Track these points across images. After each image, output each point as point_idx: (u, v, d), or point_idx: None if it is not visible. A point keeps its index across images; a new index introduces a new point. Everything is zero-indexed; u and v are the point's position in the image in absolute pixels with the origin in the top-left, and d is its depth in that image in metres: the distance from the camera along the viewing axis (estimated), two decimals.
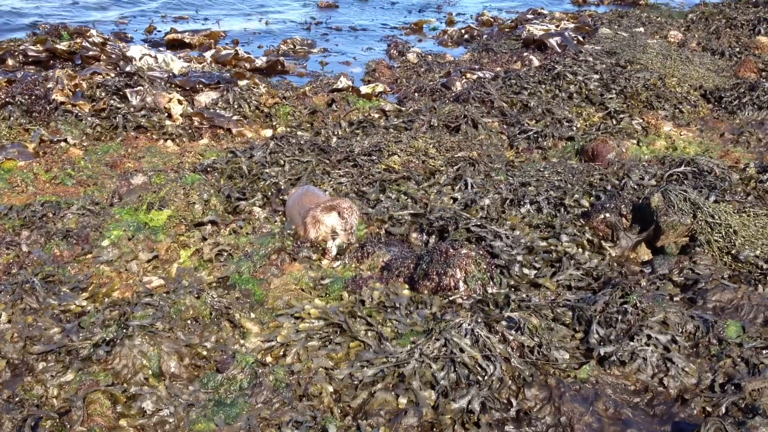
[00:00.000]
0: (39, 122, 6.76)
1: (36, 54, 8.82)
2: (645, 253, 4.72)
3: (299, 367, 3.65)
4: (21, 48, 8.88)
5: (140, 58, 8.62)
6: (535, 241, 4.62)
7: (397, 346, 3.76)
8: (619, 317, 3.79)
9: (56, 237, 4.83)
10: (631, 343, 3.64)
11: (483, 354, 3.58)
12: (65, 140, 6.48)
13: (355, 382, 3.52)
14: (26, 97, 7.01)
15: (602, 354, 3.62)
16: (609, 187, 5.40)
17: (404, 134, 6.62)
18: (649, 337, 3.66)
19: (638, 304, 3.86)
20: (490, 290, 4.21)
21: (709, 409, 3.29)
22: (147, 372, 3.61)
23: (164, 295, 4.09)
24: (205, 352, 3.77)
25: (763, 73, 8.57)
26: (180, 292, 4.11)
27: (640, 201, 4.91)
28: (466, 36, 12.03)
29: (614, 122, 7.05)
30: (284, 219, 5.13)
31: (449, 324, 3.78)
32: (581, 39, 10.50)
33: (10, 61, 8.69)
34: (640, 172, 5.65)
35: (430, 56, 10.49)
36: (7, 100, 6.96)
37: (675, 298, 4.10)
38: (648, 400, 3.40)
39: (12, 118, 6.73)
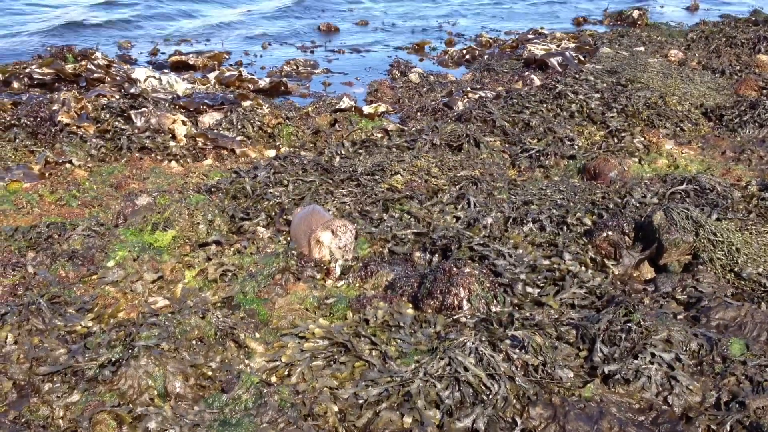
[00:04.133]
0: (44, 144, 6.81)
1: (41, 76, 8.89)
2: (648, 272, 4.74)
3: (304, 386, 3.65)
4: (26, 71, 8.94)
5: (145, 80, 8.69)
6: (538, 260, 4.64)
7: (401, 365, 3.77)
8: (623, 335, 3.80)
9: (62, 258, 4.85)
10: (635, 362, 3.65)
11: (487, 373, 3.59)
12: (70, 162, 6.52)
13: (360, 402, 3.52)
14: (31, 119, 7.06)
15: (606, 372, 3.63)
16: (611, 206, 5.42)
17: (407, 153, 6.66)
18: (653, 355, 3.67)
19: (642, 323, 3.87)
20: (493, 309, 4.22)
21: (713, 427, 3.29)
22: (152, 392, 3.62)
23: (169, 315, 4.11)
24: (210, 372, 3.78)
25: (764, 91, 8.60)
26: (185, 313, 4.13)
27: (643, 219, 4.93)
28: (467, 56, 12.10)
29: (616, 140, 7.09)
30: (288, 239, 5.16)
31: (453, 343, 3.79)
32: (582, 58, 10.57)
33: (15, 84, 8.76)
34: (642, 190, 5.67)
35: (431, 76, 10.55)
36: (12, 122, 7.01)
37: (678, 316, 4.12)
38: (653, 419, 3.40)
39: (17, 140, 6.79)
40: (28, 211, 5.68)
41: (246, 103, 7.95)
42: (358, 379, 3.70)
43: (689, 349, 3.76)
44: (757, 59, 10.04)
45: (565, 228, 5.10)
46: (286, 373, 3.78)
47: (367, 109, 8.12)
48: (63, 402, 3.55)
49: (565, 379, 3.64)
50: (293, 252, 4.88)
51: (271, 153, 7.16)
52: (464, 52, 12.27)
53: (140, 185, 6.26)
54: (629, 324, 3.86)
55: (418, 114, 8.41)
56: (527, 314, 4.13)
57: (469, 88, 9.26)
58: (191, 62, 10.79)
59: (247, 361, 3.89)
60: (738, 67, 9.67)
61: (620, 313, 3.97)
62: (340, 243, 4.84)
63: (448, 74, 10.76)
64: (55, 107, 7.28)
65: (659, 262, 4.72)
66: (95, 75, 8.89)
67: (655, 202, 5.44)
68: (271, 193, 5.81)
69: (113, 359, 3.76)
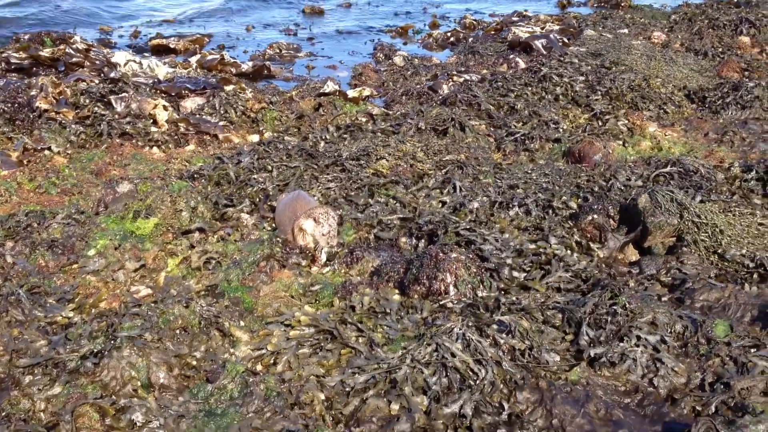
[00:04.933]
0: (22, 130, 6.69)
1: (19, 61, 8.75)
2: (632, 254, 4.74)
3: (290, 375, 3.62)
4: (3, 55, 8.80)
5: (125, 64, 8.56)
6: (524, 244, 4.63)
7: (388, 351, 3.74)
8: (609, 318, 3.80)
9: (41, 247, 4.77)
10: (621, 344, 3.65)
11: (474, 358, 3.58)
12: (49, 148, 6.41)
13: (347, 389, 3.49)
14: (9, 105, 6.94)
15: (592, 355, 3.62)
16: (596, 189, 5.42)
17: (392, 138, 6.61)
18: (638, 337, 3.67)
19: (627, 305, 3.87)
20: (480, 294, 4.21)
21: (699, 408, 3.29)
22: (136, 383, 3.57)
23: (152, 305, 4.05)
24: (194, 362, 3.73)
25: (746, 73, 8.63)
26: (168, 302, 4.07)
27: (627, 202, 4.93)
28: (451, 39, 12.04)
29: (600, 123, 7.07)
30: (273, 225, 5.11)
31: (440, 329, 3.78)
32: (566, 41, 10.54)
33: None
34: (626, 173, 5.67)
35: (416, 59, 10.49)
36: None
37: (663, 299, 4.12)
38: (639, 401, 3.41)
39: None
40: (6, 200, 5.59)
41: (229, 88, 7.86)
42: (344, 366, 3.67)
43: (674, 331, 3.77)
44: (739, 41, 10.05)
45: (550, 212, 5.09)
46: (271, 361, 3.74)
47: (351, 93, 8.06)
48: (44, 395, 3.49)
49: (552, 363, 3.64)
50: (278, 239, 4.83)
51: (255, 138, 7.09)
52: (449, 35, 12.21)
53: (121, 172, 6.18)
54: (615, 307, 3.87)
55: (403, 98, 8.36)
56: (514, 299, 4.12)
57: (454, 72, 9.21)
58: (172, 46, 10.66)
59: (232, 350, 3.85)
60: (720, 49, 9.68)
61: (606, 296, 3.97)
62: (323, 230, 4.80)
63: (432, 57, 10.70)
64: (33, 93, 7.16)
65: (644, 245, 4.72)
66: (74, 59, 8.76)
67: (640, 185, 5.43)
68: (255, 179, 5.75)
69: (95, 350, 3.71)
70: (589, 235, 4.81)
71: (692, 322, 3.78)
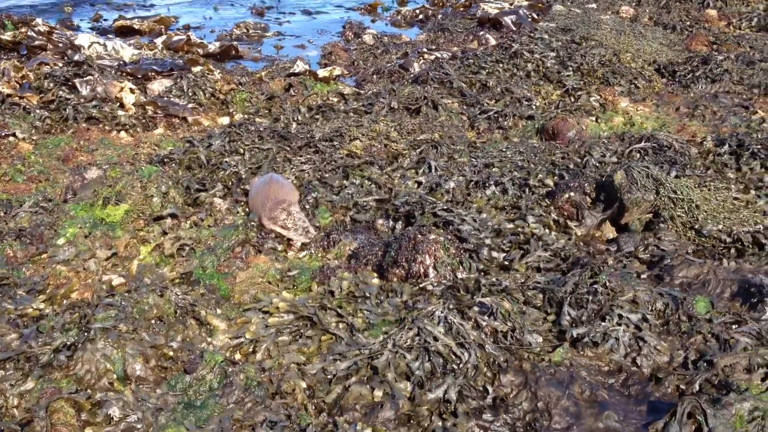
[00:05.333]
0: None
1: None
2: (610, 231, 4.74)
3: (270, 363, 3.57)
4: None
5: (89, 47, 8.34)
6: (502, 224, 4.60)
7: (369, 337, 3.71)
8: (590, 298, 3.79)
9: (9, 237, 4.64)
10: (603, 324, 3.64)
11: (457, 341, 3.55)
12: (14, 135, 6.24)
13: (329, 377, 3.46)
14: None
15: (575, 336, 3.62)
16: (572, 166, 5.40)
17: (365, 118, 6.53)
18: (620, 316, 3.67)
19: (608, 284, 3.87)
20: (460, 275, 4.18)
21: (683, 387, 3.31)
22: (111, 376, 3.49)
23: (126, 294, 3.96)
24: (171, 353, 3.66)
25: (714, 46, 8.66)
26: (142, 291, 3.98)
27: (603, 179, 4.92)
28: (420, 16, 11.93)
29: (572, 99, 7.05)
30: (247, 209, 5.02)
31: (422, 312, 3.74)
32: (536, 16, 10.49)
33: None
34: (601, 150, 5.66)
35: (386, 37, 10.37)
36: None
37: (642, 276, 4.12)
38: (623, 381, 3.41)
39: None
40: None
41: (196, 69, 7.70)
42: (325, 353, 3.63)
43: (655, 309, 3.77)
44: (706, 14, 10.08)
45: (527, 190, 5.06)
46: (250, 350, 3.69)
47: (321, 73, 7.94)
48: (17, 390, 3.39)
49: (535, 344, 3.62)
50: (253, 223, 4.75)
51: (225, 120, 6.96)
52: (417, 12, 12.10)
53: (89, 157, 6.03)
54: (595, 286, 3.86)
55: (374, 77, 8.27)
56: (494, 279, 4.09)
57: (424, 50, 9.13)
58: (137, 27, 10.41)
59: (209, 339, 3.79)
60: (688, 23, 9.69)
61: (586, 275, 3.96)
62: (288, 222, 4.70)
63: (402, 35, 10.59)
64: None
65: (621, 222, 4.72)
66: (36, 42, 8.50)
67: (615, 161, 5.44)
68: (227, 162, 5.65)
69: (68, 343, 3.61)
70: (566, 213, 4.80)
71: (673, 300, 3.79)
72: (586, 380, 3.38)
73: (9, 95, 6.69)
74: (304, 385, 3.43)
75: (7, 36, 8.57)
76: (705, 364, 3.38)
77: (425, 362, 3.46)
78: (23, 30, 8.75)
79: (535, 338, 3.65)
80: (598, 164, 5.42)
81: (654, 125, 6.51)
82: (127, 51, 8.40)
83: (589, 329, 3.62)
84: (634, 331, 3.60)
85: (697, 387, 3.27)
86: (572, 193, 4.81)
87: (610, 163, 5.42)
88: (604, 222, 4.73)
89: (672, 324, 3.68)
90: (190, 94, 7.19)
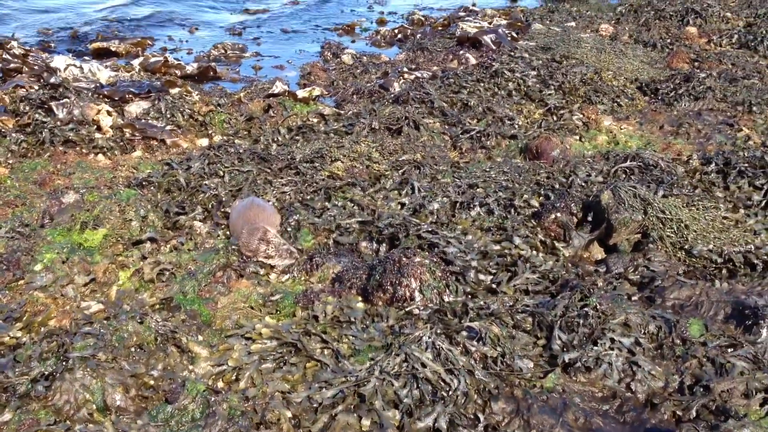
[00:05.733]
0: None
1: None
2: (598, 252, 4.69)
3: (254, 392, 3.47)
4: None
5: (65, 69, 8.21)
6: (488, 245, 4.53)
7: (355, 363, 3.62)
8: (581, 321, 3.73)
9: None
10: (595, 348, 3.58)
11: (446, 368, 3.47)
12: None
13: (315, 405, 3.36)
14: None
15: (567, 361, 3.55)
16: (557, 186, 5.36)
17: (346, 139, 6.46)
18: (612, 340, 3.61)
19: (598, 307, 3.80)
20: (446, 299, 4.10)
21: (679, 413, 3.24)
22: (91, 407, 3.38)
23: (105, 322, 3.84)
24: (152, 382, 3.55)
25: (696, 64, 8.71)
26: (122, 318, 3.87)
27: (590, 199, 4.88)
28: (399, 36, 11.92)
29: (555, 118, 7.03)
30: (227, 233, 4.93)
31: (409, 338, 3.66)
32: (515, 35, 10.52)
33: None
34: (586, 169, 5.62)
35: (365, 57, 10.34)
36: None
37: (633, 298, 4.07)
38: (617, 407, 3.34)
39: None
40: None
41: (174, 91, 7.60)
42: (310, 381, 3.53)
43: (648, 332, 3.71)
44: (686, 31, 10.15)
45: (512, 211, 5.00)
46: (233, 377, 3.59)
47: (301, 93, 7.88)
48: None
49: (526, 370, 3.55)
50: (234, 247, 4.65)
51: (204, 142, 6.86)
52: (396, 31, 12.09)
53: (66, 181, 5.91)
54: (586, 309, 3.79)
55: (354, 96, 8.21)
56: (482, 303, 4.02)
57: (404, 69, 9.10)
58: (113, 49, 10.29)
59: (191, 367, 3.68)
60: (669, 40, 9.74)
61: (576, 297, 3.90)
62: (271, 250, 4.62)
63: (381, 55, 10.57)
64: None
65: (609, 242, 4.67)
66: (12, 65, 8.38)
67: (600, 181, 5.40)
68: (206, 185, 5.55)
69: (46, 373, 3.50)
70: (553, 234, 4.75)
71: (666, 322, 3.73)
72: (580, 407, 3.30)
73: None
74: (289, 414, 3.33)
75: None
76: (701, 390, 3.32)
77: (414, 389, 3.38)
78: None
79: (525, 363, 3.58)
80: (583, 184, 5.38)
81: (638, 144, 6.50)
82: (104, 73, 8.29)
83: (581, 354, 3.55)
84: (627, 356, 3.54)
85: (694, 413, 3.21)
86: (559, 214, 4.77)
87: (596, 182, 5.38)
88: (592, 243, 4.68)
89: (666, 348, 3.62)
90: (169, 116, 7.08)
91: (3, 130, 6.48)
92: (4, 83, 7.74)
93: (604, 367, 3.50)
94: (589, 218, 4.78)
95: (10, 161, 6.19)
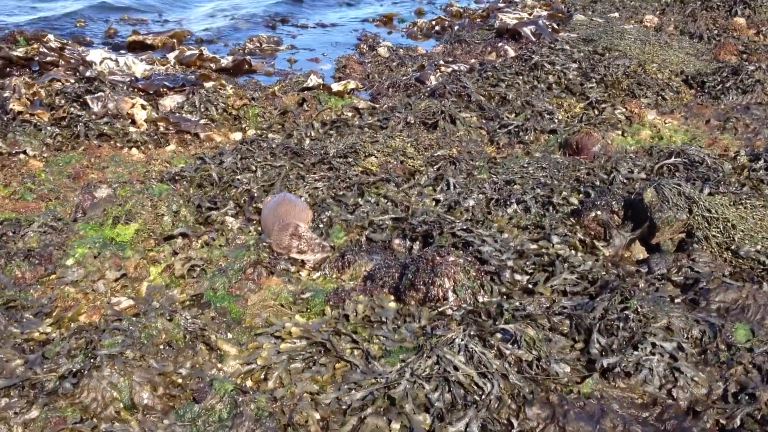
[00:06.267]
0: None
1: None
2: (640, 252, 4.51)
3: (282, 392, 3.39)
4: None
5: (101, 62, 8.25)
6: (525, 244, 4.39)
7: (386, 365, 3.52)
8: (621, 324, 3.58)
9: (17, 257, 4.51)
10: (635, 353, 3.42)
11: (479, 371, 3.35)
12: (24, 152, 6.15)
13: (343, 407, 3.27)
14: None
15: (605, 366, 3.40)
16: (597, 183, 5.19)
17: (380, 133, 6.36)
18: (653, 345, 3.45)
19: (639, 309, 3.64)
20: (481, 299, 3.98)
21: (723, 422, 3.08)
22: (118, 405, 3.34)
23: (134, 319, 3.81)
24: (180, 380, 3.49)
25: (744, 56, 8.41)
26: (151, 315, 3.83)
27: (632, 196, 4.70)
28: (436, 28, 11.78)
29: (596, 112, 6.84)
30: (259, 228, 4.87)
31: (441, 339, 3.55)
32: (556, 27, 10.30)
33: None
34: (628, 165, 5.43)
35: (401, 50, 10.23)
36: None
37: (676, 300, 3.89)
38: (658, 415, 3.18)
39: None
40: None
41: (208, 84, 7.57)
42: (340, 382, 3.45)
43: (691, 337, 3.54)
44: (734, 22, 9.82)
45: (551, 208, 4.85)
46: (262, 377, 3.51)
47: (335, 87, 7.79)
48: (21, 419, 3.26)
49: (562, 374, 3.41)
50: (265, 244, 4.59)
51: (238, 136, 6.82)
52: (434, 23, 11.95)
53: (99, 175, 5.91)
54: (626, 312, 3.64)
55: (390, 90, 8.10)
56: (517, 304, 3.88)
57: (441, 62, 8.96)
58: (149, 42, 10.33)
59: (219, 365, 3.62)
60: (716, 31, 9.44)
61: (616, 299, 3.75)
62: (303, 246, 4.54)
63: (418, 47, 10.44)
64: (6, 94, 6.87)
65: (651, 242, 4.49)
66: (48, 58, 8.44)
67: (643, 177, 5.21)
68: (238, 179, 5.49)
69: (74, 370, 3.47)
70: (593, 233, 4.58)
71: (710, 327, 3.56)
72: (618, 414, 3.16)
73: (20, 112, 6.59)
74: (317, 416, 3.25)
75: (19, 52, 8.51)
76: (747, 398, 3.15)
77: (445, 393, 3.27)
78: (35, 46, 8.69)
79: (562, 368, 3.44)
80: (625, 181, 5.19)
81: (683, 139, 6.28)
82: (139, 66, 8.30)
83: (621, 359, 3.40)
84: (669, 361, 3.38)
85: (738, 422, 3.04)
86: (599, 212, 4.60)
87: (638, 179, 5.19)
88: (633, 242, 4.50)
89: (710, 353, 3.45)
90: (203, 109, 7.06)
91: (38, 124, 6.52)
92: (41, 76, 7.79)
93: (645, 373, 3.35)
94: (631, 216, 4.59)
95: (45, 155, 6.23)
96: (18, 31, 9.53)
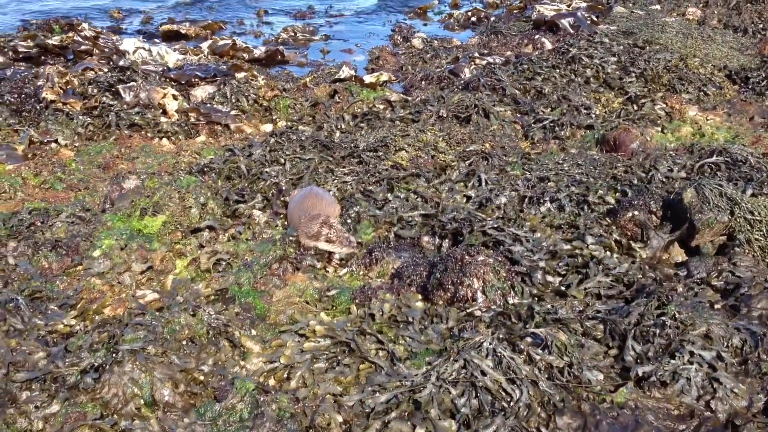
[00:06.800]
0: (28, 122, 6.44)
1: (26, 50, 8.48)
2: (678, 254, 4.34)
3: (305, 393, 3.31)
4: (11, 44, 8.54)
5: (134, 52, 8.26)
6: (558, 244, 4.25)
7: (411, 367, 3.42)
8: (657, 331, 3.43)
9: (44, 248, 4.50)
10: (672, 361, 3.27)
11: (507, 377, 3.23)
12: (56, 141, 6.17)
13: (367, 410, 3.18)
14: (15, 95, 6.70)
15: (640, 374, 3.26)
16: (635, 181, 5.01)
17: (411, 127, 6.24)
18: (691, 353, 3.29)
19: (677, 315, 3.49)
20: (511, 301, 3.85)
21: None
22: (139, 402, 3.29)
23: (157, 313, 3.76)
24: (202, 377, 3.44)
25: None
26: (174, 310, 3.78)
27: (671, 196, 4.52)
28: (472, 19, 11.60)
29: (635, 108, 6.64)
30: (285, 223, 4.79)
31: (468, 343, 3.43)
32: (595, 19, 10.06)
33: (0, 58, 8.35)
34: (668, 163, 5.24)
35: (436, 41, 10.08)
36: None
37: (716, 306, 3.72)
38: (695, 427, 3.03)
39: (0, 119, 6.41)
40: (11, 196, 5.35)
41: (240, 75, 7.51)
42: (363, 383, 3.35)
43: (731, 346, 3.38)
44: None
45: (586, 207, 4.69)
46: (285, 376, 3.44)
47: (368, 79, 7.68)
48: (42, 413, 3.24)
49: (595, 382, 3.28)
50: (291, 238, 4.51)
51: (268, 127, 6.76)
52: (470, 14, 11.77)
53: (129, 165, 5.89)
54: (663, 318, 3.49)
55: (423, 82, 7.97)
56: (549, 307, 3.75)
57: (476, 54, 8.80)
58: (183, 31, 10.33)
59: (242, 363, 3.56)
60: (761, 25, 9.14)
61: (652, 304, 3.59)
62: (332, 235, 4.44)
63: (453, 39, 10.28)
64: (39, 83, 6.88)
65: (691, 244, 4.32)
66: (82, 47, 8.48)
67: (683, 176, 5.02)
68: (267, 172, 5.42)
69: (96, 364, 3.43)
70: (629, 234, 4.42)
71: (751, 335, 3.39)
72: (654, 425, 3.02)
73: (53, 101, 6.61)
74: (340, 418, 3.17)
75: (54, 41, 8.56)
76: None
77: (472, 399, 3.16)
78: (70, 34, 8.73)
79: (594, 375, 3.30)
80: (664, 180, 5.01)
81: (726, 136, 6.05)
82: (172, 56, 8.29)
83: (657, 367, 3.26)
84: (707, 371, 3.22)
85: None
86: (636, 212, 4.43)
87: (678, 178, 5.00)
88: (672, 244, 4.33)
89: (751, 363, 3.29)
90: (233, 100, 7.01)
91: (70, 113, 6.53)
92: (74, 65, 7.81)
93: (682, 383, 3.20)
94: (670, 217, 4.42)
95: (76, 144, 6.23)
96: (54, 19, 9.58)
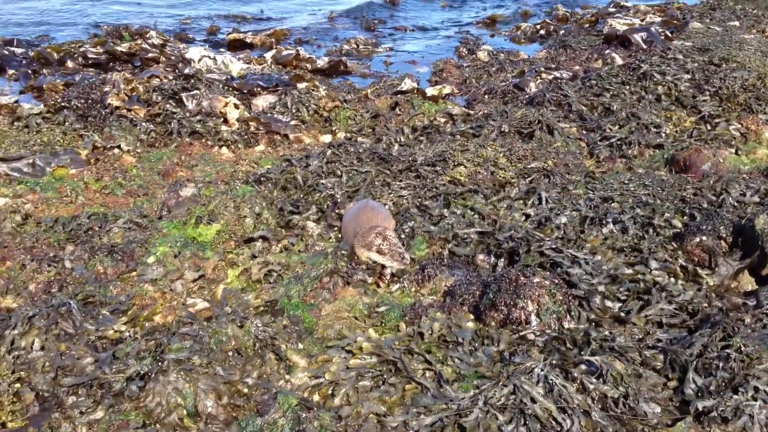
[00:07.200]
0: (93, 128, 6.56)
1: (96, 56, 8.71)
2: (748, 283, 4.10)
3: (348, 411, 3.23)
4: (81, 50, 8.77)
5: (199, 60, 8.38)
6: (619, 268, 4.06)
7: (458, 390, 3.30)
8: (720, 364, 3.23)
9: (100, 253, 4.56)
10: (735, 396, 3.07)
11: (558, 405, 3.08)
12: (119, 147, 6.26)
13: None
14: (82, 101, 6.84)
15: (700, 408, 3.07)
16: (705, 205, 4.77)
17: (472, 142, 6.11)
18: (756, 389, 3.09)
19: (743, 348, 3.28)
20: (566, 325, 3.69)
21: None
22: (181, 412, 3.27)
23: (204, 323, 3.74)
24: (245, 390, 3.41)
25: None
26: (222, 320, 3.75)
27: (743, 222, 4.28)
28: (541, 31, 11.41)
29: (709, 128, 6.37)
30: (339, 236, 4.73)
31: (519, 368, 3.29)
32: (669, 34, 9.74)
33: (69, 64, 8.59)
34: (740, 187, 4.97)
35: (502, 54, 9.93)
36: (62, 104, 6.81)
37: None
38: None
39: (67, 123, 6.57)
40: (72, 200, 5.44)
41: (301, 85, 7.52)
42: (409, 404, 3.25)
43: None
44: None
45: (650, 230, 4.49)
46: (329, 392, 3.35)
47: (430, 91, 7.59)
48: (86, 419, 3.25)
49: (651, 415, 3.10)
50: (343, 252, 4.43)
51: (327, 138, 6.73)
52: (538, 27, 11.59)
53: (188, 173, 5.94)
54: (728, 350, 3.28)
55: (486, 96, 7.84)
56: (606, 333, 3.57)
57: (542, 68, 8.62)
58: (249, 40, 10.45)
59: (287, 377, 3.50)
60: None
61: (717, 335, 3.39)
62: (384, 247, 4.34)
63: (519, 52, 10.11)
64: (106, 89, 7.02)
65: (762, 273, 4.08)
66: (149, 54, 8.66)
67: (757, 201, 4.76)
68: (323, 184, 5.38)
69: (141, 372, 3.42)
70: (696, 260, 4.20)
71: None
72: None
73: (117, 107, 6.73)
74: None
75: (123, 47, 8.76)
76: None
77: (520, 426, 3.02)
78: (138, 42, 8.91)
79: (651, 408, 3.12)
80: (736, 204, 4.75)
81: None
82: (236, 65, 8.37)
83: (718, 402, 3.06)
84: None
85: None
86: (704, 237, 4.21)
87: (750, 203, 4.75)
88: (741, 272, 4.10)
89: None
90: (294, 110, 7.01)
91: (134, 119, 6.63)
92: (141, 72, 7.96)
93: (744, 420, 2.99)
94: (740, 244, 4.19)
95: (139, 150, 6.32)
96: (124, 26, 9.81)
